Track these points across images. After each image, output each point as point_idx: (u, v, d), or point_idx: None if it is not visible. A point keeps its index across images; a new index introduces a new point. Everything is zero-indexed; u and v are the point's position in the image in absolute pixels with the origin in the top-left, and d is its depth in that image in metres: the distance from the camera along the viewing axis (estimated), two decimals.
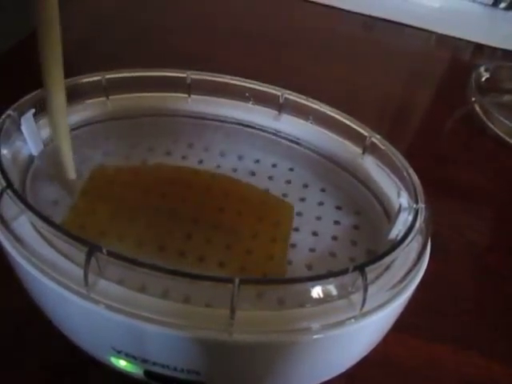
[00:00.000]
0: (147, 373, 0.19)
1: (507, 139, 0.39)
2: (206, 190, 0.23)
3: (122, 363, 0.19)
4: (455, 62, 0.51)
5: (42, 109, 0.22)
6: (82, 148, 0.24)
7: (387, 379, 0.24)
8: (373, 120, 0.24)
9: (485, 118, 0.40)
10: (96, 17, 0.46)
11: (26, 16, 0.41)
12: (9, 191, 0.17)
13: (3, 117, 0.20)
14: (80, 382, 0.22)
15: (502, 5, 0.59)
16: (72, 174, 0.22)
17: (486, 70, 0.43)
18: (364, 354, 0.21)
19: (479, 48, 0.52)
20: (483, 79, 0.43)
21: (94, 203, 0.22)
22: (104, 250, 0.16)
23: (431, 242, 0.20)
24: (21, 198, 0.17)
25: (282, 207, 0.23)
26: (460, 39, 0.53)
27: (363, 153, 0.24)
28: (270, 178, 0.25)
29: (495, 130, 0.40)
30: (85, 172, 0.23)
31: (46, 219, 0.17)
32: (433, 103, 0.44)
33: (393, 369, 0.24)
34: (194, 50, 0.43)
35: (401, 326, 0.21)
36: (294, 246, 0.21)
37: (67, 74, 0.24)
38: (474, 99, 0.41)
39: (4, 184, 0.18)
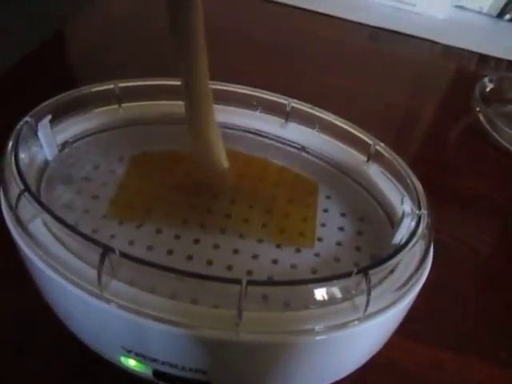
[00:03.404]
0: (156, 372, 0.20)
1: (511, 148, 0.40)
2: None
3: (131, 363, 0.20)
4: (460, 72, 0.51)
5: (57, 115, 0.23)
6: (95, 154, 0.25)
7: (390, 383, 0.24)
8: (378, 129, 0.25)
9: (489, 128, 0.41)
10: (107, 29, 0.47)
11: (41, 22, 0.42)
12: (26, 194, 0.18)
13: (21, 123, 0.21)
14: (89, 382, 0.23)
15: (507, 16, 0.60)
16: (225, 163, 0.23)
17: (490, 81, 0.44)
18: (367, 357, 0.21)
19: (484, 59, 0.53)
20: (487, 89, 0.44)
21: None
22: (117, 251, 0.17)
23: (434, 249, 0.20)
24: (38, 200, 0.18)
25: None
26: (465, 50, 0.54)
27: (367, 160, 0.24)
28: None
29: (499, 139, 0.40)
30: (97, 177, 0.24)
31: (61, 221, 0.17)
32: (437, 113, 0.45)
33: (396, 373, 0.24)
34: None
35: (404, 330, 0.21)
36: (299, 250, 0.22)
37: (80, 83, 0.24)
38: (478, 109, 0.42)
39: (22, 187, 0.18)
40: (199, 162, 0.23)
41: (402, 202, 0.21)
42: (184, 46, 0.20)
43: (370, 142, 0.24)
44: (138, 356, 0.19)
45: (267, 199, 0.24)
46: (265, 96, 0.26)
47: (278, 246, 0.22)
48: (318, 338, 0.17)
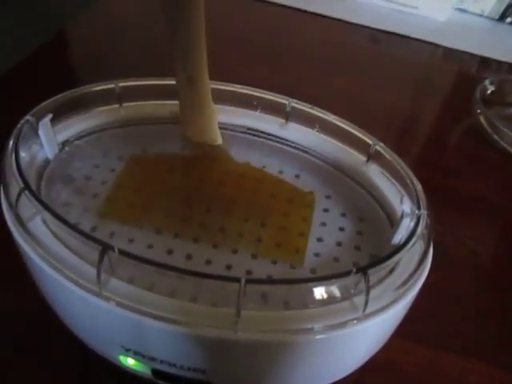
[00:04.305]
0: (155, 372, 0.20)
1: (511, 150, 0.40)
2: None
3: (130, 362, 0.20)
4: (461, 74, 0.51)
5: (58, 114, 0.23)
6: (95, 153, 0.25)
7: None
8: (379, 130, 0.25)
9: (490, 130, 0.41)
10: (108, 29, 0.48)
11: (43, 22, 0.42)
12: (26, 192, 0.18)
13: (22, 122, 0.21)
14: (89, 382, 0.23)
15: (509, 19, 0.60)
16: (219, 140, 0.25)
17: (490, 83, 0.44)
18: (367, 357, 0.21)
19: (485, 61, 0.53)
20: (488, 92, 0.44)
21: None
22: (116, 249, 0.17)
23: (434, 250, 0.20)
24: (38, 198, 0.18)
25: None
26: (466, 52, 0.54)
27: (367, 160, 0.24)
28: None
29: (500, 141, 0.40)
30: (97, 176, 0.24)
31: (61, 219, 0.18)
32: (438, 115, 0.45)
33: (396, 375, 0.24)
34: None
35: (404, 333, 0.21)
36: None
37: (82, 83, 0.25)
38: (479, 111, 0.42)
39: (22, 185, 0.18)
40: (195, 138, 0.24)
41: (402, 202, 0.21)
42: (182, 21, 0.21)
43: (369, 142, 0.24)
44: (136, 355, 0.19)
45: (262, 212, 0.23)
46: (265, 96, 0.26)
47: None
48: (316, 337, 0.17)
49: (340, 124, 0.25)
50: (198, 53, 0.22)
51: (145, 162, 0.25)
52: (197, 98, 0.23)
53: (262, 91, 0.26)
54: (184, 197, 0.23)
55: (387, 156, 0.23)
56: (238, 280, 0.16)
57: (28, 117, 0.21)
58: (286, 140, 0.26)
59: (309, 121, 0.26)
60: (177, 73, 0.23)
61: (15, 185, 0.19)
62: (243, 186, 0.24)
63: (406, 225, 0.21)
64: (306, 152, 0.26)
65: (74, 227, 0.17)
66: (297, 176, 0.26)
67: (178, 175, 0.24)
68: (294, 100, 0.26)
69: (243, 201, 0.24)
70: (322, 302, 0.17)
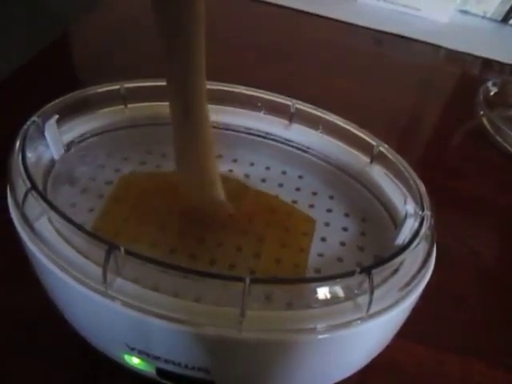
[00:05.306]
0: (159, 371, 0.20)
1: None
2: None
3: (134, 361, 0.20)
4: (464, 76, 0.51)
5: (64, 115, 0.23)
6: (100, 154, 0.25)
7: None
8: (382, 132, 0.25)
9: (492, 132, 0.41)
10: (112, 30, 0.48)
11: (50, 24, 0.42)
12: (33, 192, 0.18)
13: (28, 123, 0.21)
14: (90, 382, 0.23)
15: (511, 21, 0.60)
16: (222, 193, 0.22)
17: (494, 85, 0.44)
18: (370, 358, 0.21)
19: (488, 63, 0.53)
20: (491, 93, 0.44)
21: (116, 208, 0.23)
22: (122, 249, 0.17)
23: (436, 251, 0.20)
24: (44, 198, 0.18)
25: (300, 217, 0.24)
26: (469, 54, 0.54)
27: (371, 162, 0.24)
28: (280, 185, 0.25)
29: (502, 143, 0.40)
30: (101, 177, 0.24)
31: (67, 219, 0.18)
32: (441, 117, 0.45)
33: (398, 376, 0.24)
34: (208, 61, 0.44)
35: (407, 333, 0.21)
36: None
37: (86, 85, 0.25)
38: (481, 113, 0.42)
39: (28, 185, 0.19)
40: (193, 194, 0.22)
41: (405, 203, 0.21)
42: (180, 46, 0.19)
43: (373, 143, 0.24)
44: (141, 354, 0.19)
45: (257, 242, 0.22)
46: (269, 97, 0.26)
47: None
48: (320, 336, 0.17)
49: (343, 125, 0.25)
50: (197, 79, 0.20)
51: (133, 186, 0.24)
52: (193, 134, 0.20)
53: (266, 93, 0.26)
54: (173, 224, 0.22)
55: (390, 157, 0.23)
56: (242, 280, 0.16)
57: (34, 118, 0.22)
58: (290, 141, 0.26)
59: (312, 122, 0.26)
60: (171, 104, 0.20)
61: (22, 185, 0.19)
62: (236, 214, 0.23)
63: (410, 225, 0.21)
64: (309, 153, 0.26)
65: (79, 227, 0.18)
66: (300, 177, 0.26)
67: (167, 200, 0.23)
68: (298, 101, 0.26)
69: (236, 229, 0.22)
70: (326, 302, 0.17)
